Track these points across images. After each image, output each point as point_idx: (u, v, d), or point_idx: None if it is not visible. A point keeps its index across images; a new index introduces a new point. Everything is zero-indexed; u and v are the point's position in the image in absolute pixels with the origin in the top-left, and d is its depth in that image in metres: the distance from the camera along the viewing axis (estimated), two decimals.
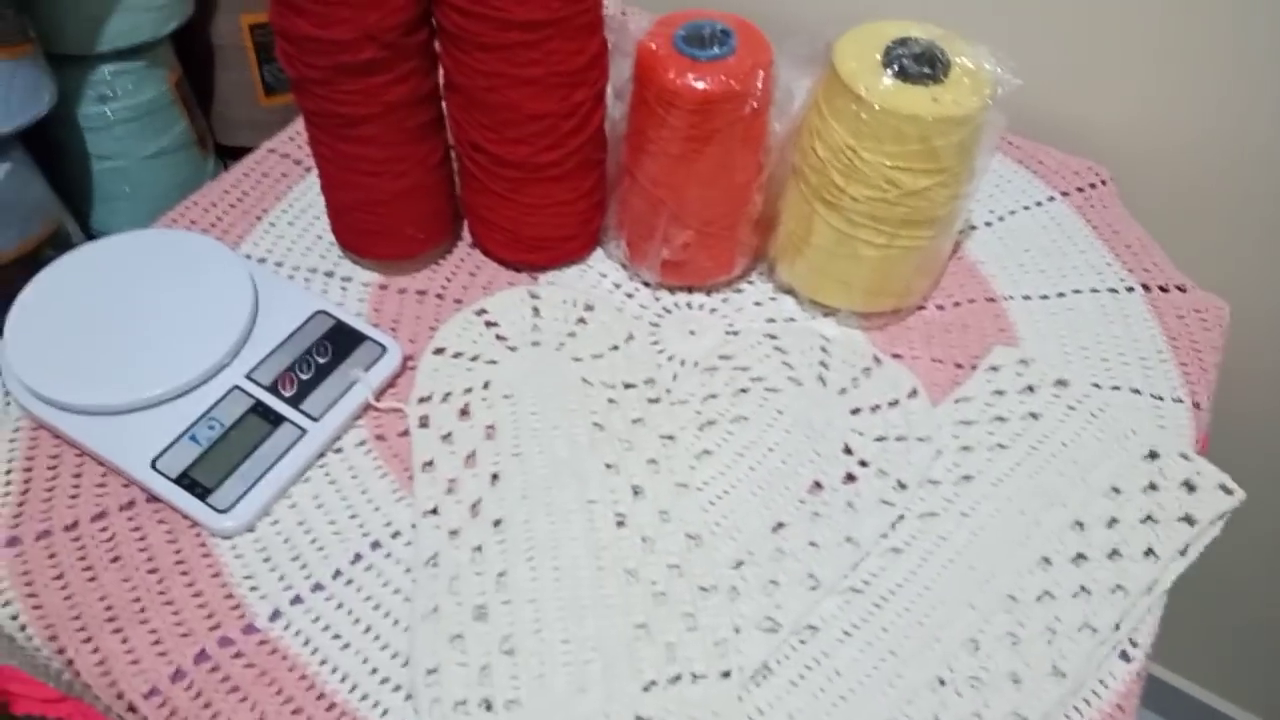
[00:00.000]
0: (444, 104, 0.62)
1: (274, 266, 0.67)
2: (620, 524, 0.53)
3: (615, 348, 0.62)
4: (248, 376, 0.58)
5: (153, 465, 0.53)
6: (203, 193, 0.71)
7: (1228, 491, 0.56)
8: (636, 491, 0.55)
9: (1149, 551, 0.54)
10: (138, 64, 0.80)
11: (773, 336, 0.63)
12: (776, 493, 0.55)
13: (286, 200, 0.71)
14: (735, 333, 0.65)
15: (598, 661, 0.48)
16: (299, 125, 0.76)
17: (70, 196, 0.82)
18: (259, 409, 0.56)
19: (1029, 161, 0.78)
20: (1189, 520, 0.55)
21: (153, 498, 0.54)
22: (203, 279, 0.61)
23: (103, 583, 0.51)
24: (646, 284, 0.68)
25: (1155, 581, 0.53)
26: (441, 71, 0.60)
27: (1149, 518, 0.55)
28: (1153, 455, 0.58)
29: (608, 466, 0.56)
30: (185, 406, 0.56)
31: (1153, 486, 0.57)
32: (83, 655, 0.48)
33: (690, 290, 0.68)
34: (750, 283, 0.69)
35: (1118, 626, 0.52)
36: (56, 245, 0.78)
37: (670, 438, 0.58)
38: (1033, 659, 0.50)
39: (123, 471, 0.54)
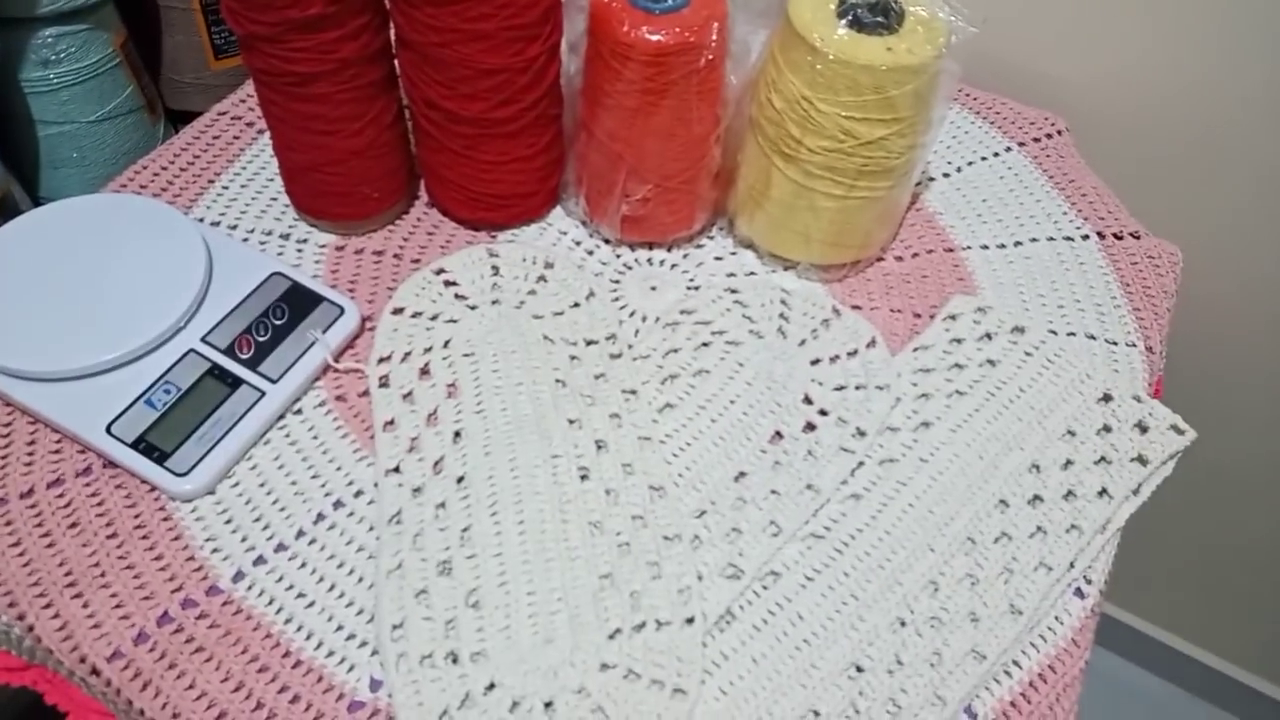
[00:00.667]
0: (396, 61, 0.61)
1: (228, 230, 0.66)
2: (584, 478, 0.53)
3: (576, 305, 0.62)
4: (203, 340, 0.57)
5: (108, 430, 0.53)
6: (152, 157, 0.69)
7: (1179, 432, 0.58)
8: (600, 445, 0.55)
9: (1103, 492, 0.55)
10: (81, 26, 0.77)
11: (733, 290, 0.64)
12: (738, 443, 0.56)
13: (239, 163, 0.70)
14: (696, 287, 0.65)
15: (563, 612, 0.48)
16: (250, 88, 0.74)
17: (16, 163, 0.80)
18: (216, 372, 0.56)
19: (986, 113, 0.79)
20: (1141, 460, 0.56)
21: (110, 463, 0.53)
22: (154, 243, 0.60)
23: (61, 548, 0.50)
24: (607, 241, 0.68)
25: (1109, 521, 0.54)
26: (393, 27, 0.59)
27: (1103, 459, 0.56)
28: (1106, 398, 0.59)
29: (570, 422, 0.56)
30: (140, 371, 0.55)
31: (1106, 429, 0.58)
32: (43, 620, 0.48)
33: (651, 246, 0.68)
34: (710, 238, 0.69)
35: (1072, 565, 0.53)
36: (3, 212, 0.76)
37: (633, 392, 0.58)
38: (990, 598, 0.51)
39: (78, 438, 0.53)
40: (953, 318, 0.63)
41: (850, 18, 0.56)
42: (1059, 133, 0.77)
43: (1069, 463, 0.56)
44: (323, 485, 0.54)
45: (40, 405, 0.54)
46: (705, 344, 0.61)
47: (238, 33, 0.56)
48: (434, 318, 0.60)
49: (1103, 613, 0.54)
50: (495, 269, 0.63)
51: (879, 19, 0.56)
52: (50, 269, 0.58)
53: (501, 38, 0.56)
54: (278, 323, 0.58)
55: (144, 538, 0.51)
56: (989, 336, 0.61)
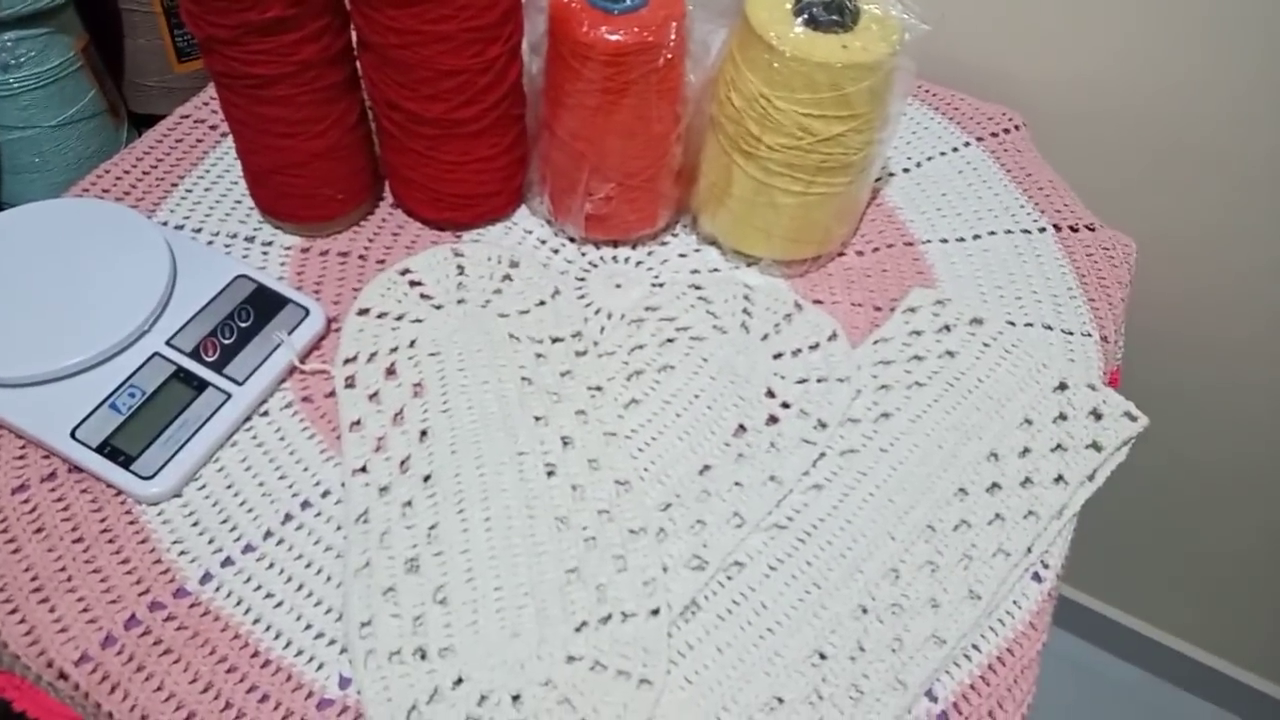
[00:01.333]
0: (358, 63, 0.61)
1: (192, 233, 0.66)
2: (550, 474, 0.54)
3: (542, 303, 0.62)
4: (168, 343, 0.57)
5: (72, 435, 0.53)
6: (115, 161, 0.69)
7: (1132, 418, 0.59)
8: (566, 442, 0.55)
9: (1059, 478, 0.56)
10: (41, 30, 0.77)
11: (697, 287, 0.64)
12: (702, 437, 0.57)
13: (202, 166, 0.70)
14: (660, 284, 0.66)
15: (530, 606, 0.49)
16: (213, 90, 0.74)
17: None
18: (181, 375, 0.56)
19: (944, 108, 0.80)
20: (1096, 447, 0.58)
21: (75, 468, 0.53)
22: (117, 247, 0.60)
23: (27, 554, 0.50)
24: (571, 239, 0.68)
25: (1064, 506, 0.56)
26: (354, 29, 0.59)
27: (1059, 446, 0.58)
28: (1062, 387, 0.60)
29: (537, 419, 0.56)
30: (104, 375, 0.55)
31: (1062, 416, 0.59)
32: (9, 626, 0.48)
33: (615, 244, 0.68)
34: (674, 235, 0.70)
35: (1030, 550, 0.54)
36: None
37: (598, 389, 0.58)
38: (950, 584, 0.52)
39: (42, 443, 0.53)
40: (912, 310, 0.64)
41: (806, 16, 0.57)
42: (1016, 128, 0.79)
43: (1026, 450, 0.57)
44: (290, 486, 0.54)
45: (4, 411, 0.54)
46: (670, 340, 0.61)
47: (197, 36, 0.56)
48: (399, 318, 0.61)
49: (1063, 596, 0.56)
50: (460, 268, 0.64)
51: (834, 17, 0.57)
52: (12, 274, 0.58)
53: (462, 39, 0.56)
54: (243, 325, 0.59)
55: (110, 541, 0.51)
56: (948, 328, 0.63)
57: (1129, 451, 0.59)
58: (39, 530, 0.51)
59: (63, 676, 0.47)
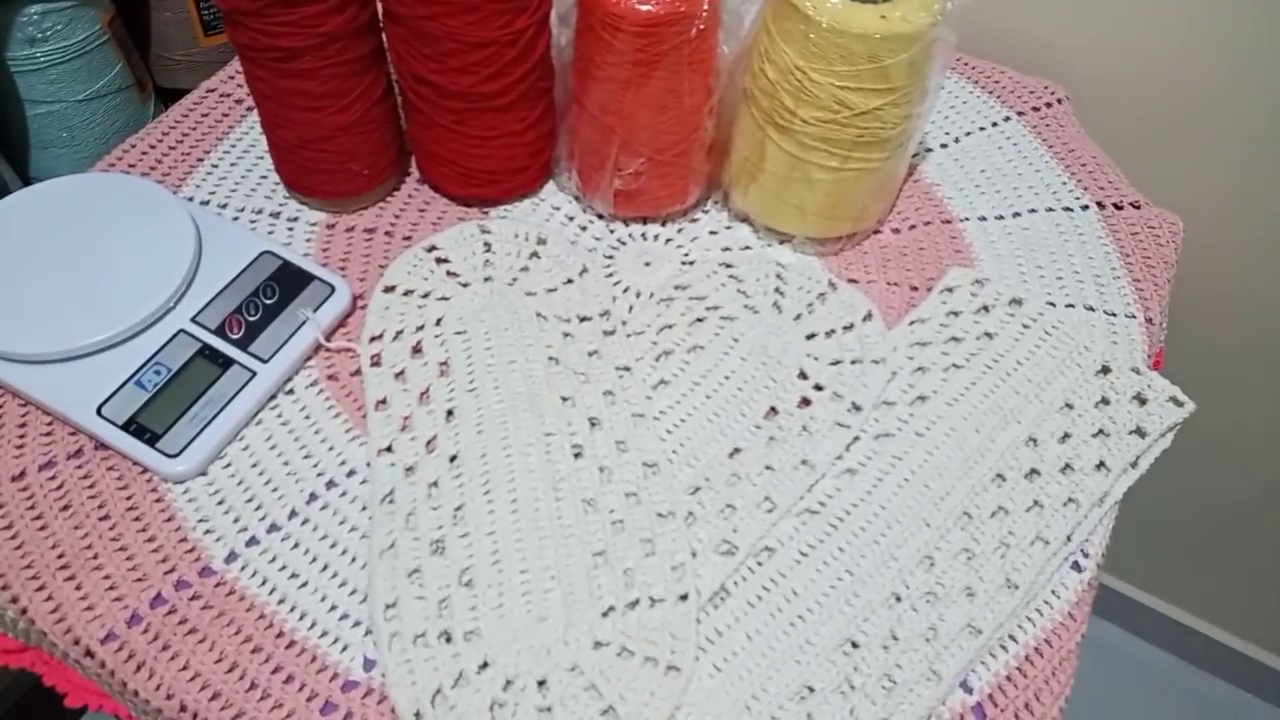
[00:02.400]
0: (384, 35, 0.60)
1: (217, 209, 0.65)
2: (578, 455, 0.53)
3: (569, 281, 0.61)
4: (193, 320, 0.56)
5: (98, 412, 0.52)
6: (141, 136, 0.69)
7: (1178, 404, 0.57)
8: (593, 423, 0.55)
9: (1100, 465, 0.55)
10: (68, 4, 0.76)
11: (728, 265, 0.63)
12: (732, 419, 0.55)
13: (228, 141, 0.70)
14: (691, 262, 0.65)
15: (556, 590, 0.48)
16: (238, 64, 0.74)
17: (5, 143, 0.79)
18: (206, 352, 0.55)
19: (984, 81, 0.78)
20: (1140, 433, 0.56)
21: (101, 445, 0.53)
22: (143, 223, 0.59)
23: (54, 531, 0.50)
24: (600, 216, 0.67)
25: (1106, 494, 0.54)
26: (380, 1, 0.58)
27: (1101, 432, 0.56)
28: (1105, 370, 0.58)
29: (564, 399, 0.55)
30: (130, 352, 0.55)
31: (1104, 401, 0.57)
32: (36, 603, 0.48)
33: (645, 221, 0.67)
34: (705, 211, 0.68)
35: (1069, 538, 0.52)
36: None
37: (626, 369, 0.57)
38: (986, 573, 0.51)
39: (69, 420, 0.53)
40: (949, 290, 0.62)
41: None
42: (1058, 101, 0.76)
43: (1066, 436, 0.56)
44: (315, 465, 0.54)
45: (31, 388, 0.53)
46: (700, 320, 0.60)
47: (222, 8, 0.55)
48: (426, 295, 0.60)
49: (1101, 584, 0.54)
50: (487, 246, 0.63)
51: None
52: (39, 250, 0.58)
53: (489, 10, 0.55)
54: (268, 302, 0.58)
55: (136, 519, 0.51)
56: (986, 309, 0.61)
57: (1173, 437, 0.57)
58: (66, 507, 0.51)
59: (89, 654, 0.47)
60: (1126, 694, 1.18)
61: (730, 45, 0.59)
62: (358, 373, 0.57)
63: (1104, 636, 1.21)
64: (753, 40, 0.60)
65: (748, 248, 0.66)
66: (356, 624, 0.48)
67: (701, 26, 0.56)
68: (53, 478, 0.52)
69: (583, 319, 0.59)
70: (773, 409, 0.56)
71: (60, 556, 0.49)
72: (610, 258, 0.65)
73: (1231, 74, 0.73)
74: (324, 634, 0.48)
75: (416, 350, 0.57)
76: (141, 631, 0.47)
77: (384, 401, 0.55)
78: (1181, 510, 1.04)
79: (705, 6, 0.55)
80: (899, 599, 0.50)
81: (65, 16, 0.77)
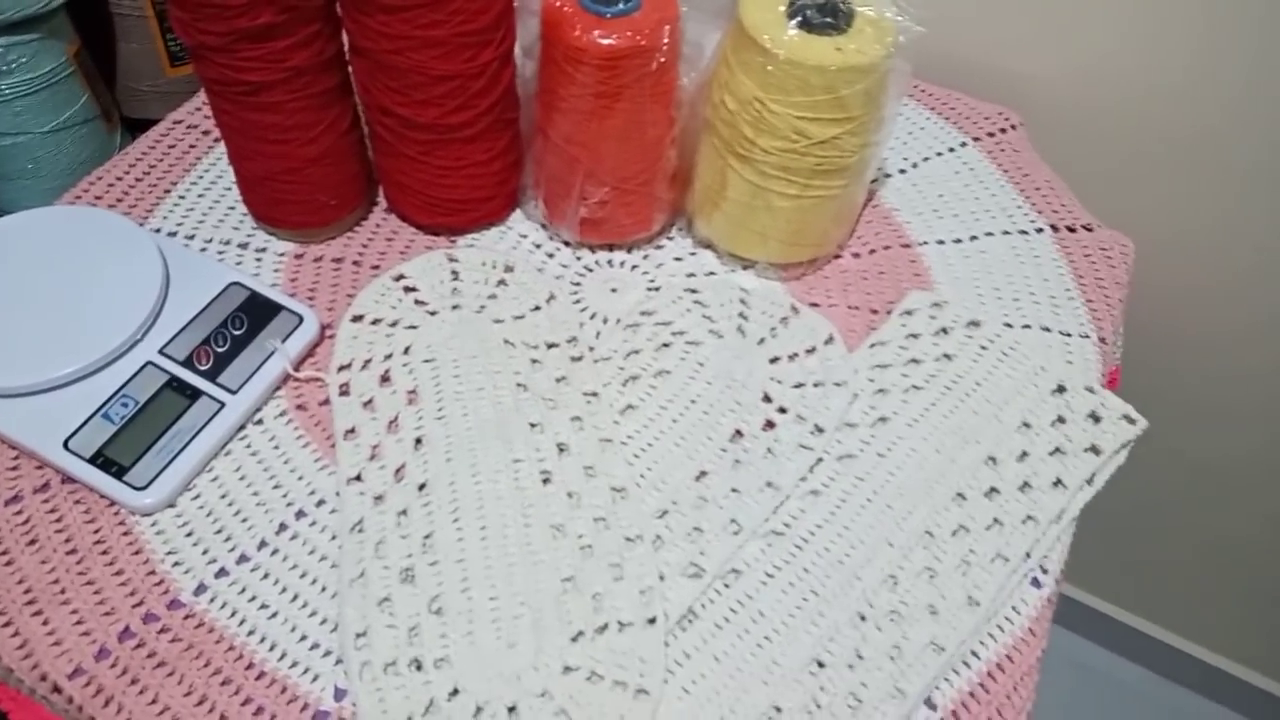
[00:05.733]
0: (350, 68, 0.61)
1: (185, 240, 0.65)
2: (546, 481, 0.54)
3: (537, 308, 0.62)
4: (161, 352, 0.57)
5: (65, 446, 0.52)
6: (107, 167, 0.69)
7: (1131, 421, 0.59)
8: (562, 449, 0.55)
9: (1057, 482, 0.56)
10: (33, 36, 0.77)
11: (693, 291, 0.64)
12: (699, 443, 0.56)
13: (195, 172, 0.70)
14: (656, 288, 0.66)
15: (526, 616, 0.48)
16: (205, 96, 0.74)
17: None
18: (174, 384, 0.55)
19: (940, 108, 0.79)
20: (1095, 450, 0.57)
21: (68, 479, 0.53)
22: (110, 256, 0.60)
23: (20, 566, 0.50)
24: (567, 243, 0.68)
25: (1063, 510, 0.55)
26: (345, 35, 0.59)
27: (1057, 450, 0.57)
28: (1060, 389, 0.60)
29: (532, 426, 0.56)
30: (97, 385, 0.55)
31: (1060, 420, 0.59)
32: (3, 639, 0.47)
33: (611, 248, 0.68)
34: (670, 238, 0.69)
35: (1028, 555, 0.54)
36: None
37: (594, 394, 0.58)
38: (949, 590, 0.52)
39: (35, 454, 0.53)
40: (909, 313, 0.63)
41: (800, 19, 0.57)
42: (1012, 127, 0.78)
43: (1024, 454, 0.57)
44: (284, 495, 0.54)
45: None
46: (666, 344, 0.61)
47: (187, 43, 0.56)
48: (394, 324, 0.60)
49: (1064, 595, 0.55)
50: (455, 274, 0.63)
51: (828, 19, 0.57)
52: (5, 283, 0.58)
53: (454, 44, 0.56)
54: (236, 333, 0.58)
55: (104, 553, 0.51)
56: (945, 331, 0.62)
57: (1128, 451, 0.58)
58: (32, 542, 0.51)
59: (57, 690, 0.47)
60: (1087, 703, 1.19)
61: (691, 77, 0.61)
62: (326, 402, 0.58)
63: (1078, 652, 1.23)
64: (713, 72, 0.61)
65: (712, 273, 0.67)
66: (327, 654, 0.48)
67: (662, 59, 0.57)
68: (19, 512, 0.52)
69: (550, 345, 0.60)
70: (738, 432, 0.57)
71: (27, 592, 0.49)
72: (577, 284, 0.66)
73: (1181, 97, 0.75)
74: (294, 664, 0.48)
75: (385, 379, 0.58)
76: (110, 666, 0.47)
77: (352, 430, 0.55)
78: (1138, 520, 1.06)
79: (666, 40, 0.57)
80: (864, 618, 0.51)
81: (31, 49, 0.77)
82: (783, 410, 0.58)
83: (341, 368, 0.58)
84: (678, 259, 0.68)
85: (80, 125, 0.82)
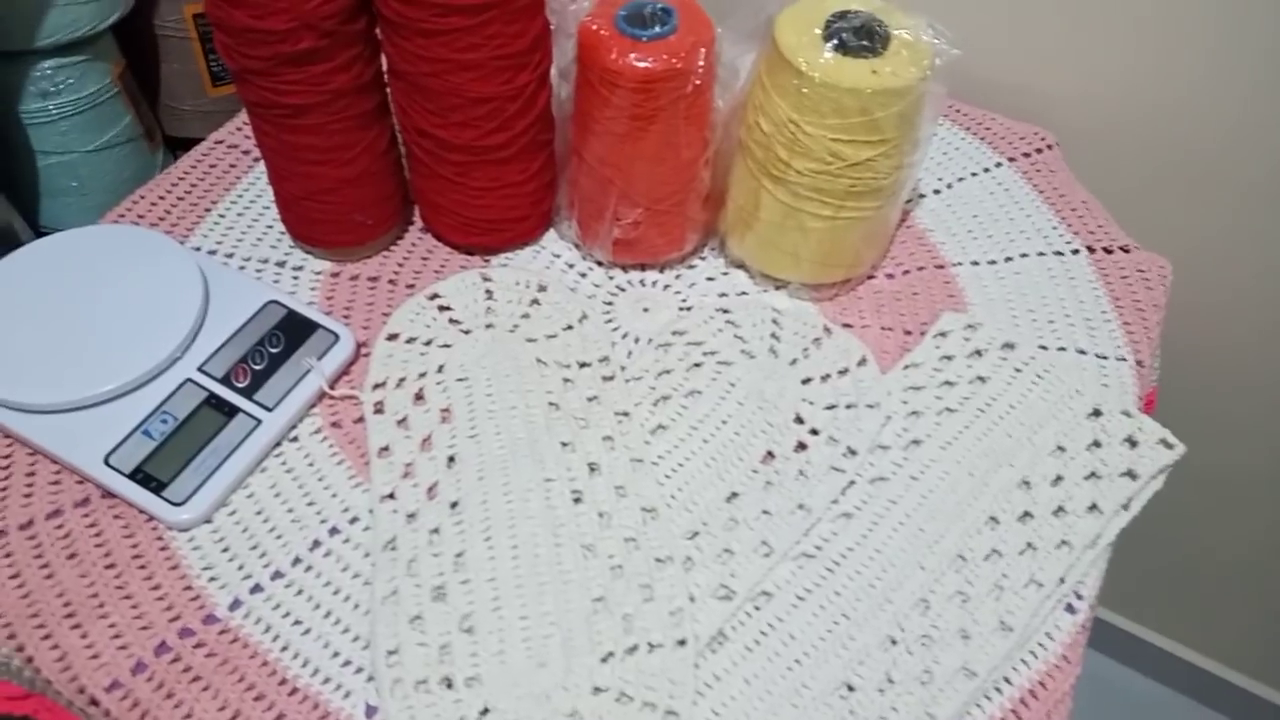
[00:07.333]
0: (388, 90, 0.62)
1: (224, 258, 0.67)
2: (577, 500, 0.54)
3: (569, 327, 0.62)
4: (200, 369, 0.58)
5: (106, 461, 0.53)
6: (150, 187, 0.70)
7: (1168, 446, 0.58)
8: (593, 468, 0.55)
9: (1093, 507, 0.55)
10: (79, 57, 0.79)
11: (725, 311, 0.64)
12: (730, 464, 0.56)
13: (235, 191, 0.71)
14: (688, 308, 0.66)
15: (556, 636, 0.48)
16: (245, 116, 0.75)
17: (17, 193, 0.81)
18: (212, 401, 0.56)
19: (976, 128, 0.79)
20: (1131, 475, 0.57)
21: (108, 493, 0.54)
22: (151, 273, 0.61)
23: (60, 579, 0.51)
24: (599, 263, 0.68)
25: (1098, 536, 0.55)
26: (384, 58, 0.59)
27: (1093, 474, 0.57)
28: (1096, 413, 0.59)
29: (564, 445, 0.56)
30: (137, 401, 0.56)
31: (1096, 444, 0.58)
32: (42, 652, 0.48)
33: (643, 268, 0.68)
34: (702, 258, 0.70)
35: (1063, 580, 0.53)
36: (4, 243, 0.77)
37: (625, 414, 0.58)
38: (981, 615, 0.51)
39: (76, 469, 0.54)
40: (943, 334, 0.63)
41: (835, 41, 0.57)
42: (1049, 147, 0.78)
43: (1059, 478, 0.56)
44: (319, 512, 0.54)
45: (39, 437, 0.54)
46: (697, 365, 0.61)
47: (230, 67, 0.57)
48: (428, 343, 0.61)
49: (1097, 617, 0.55)
50: (489, 293, 0.64)
51: (864, 42, 0.57)
52: (48, 301, 0.59)
53: (491, 67, 0.57)
54: (273, 350, 0.59)
55: (141, 567, 0.52)
56: (979, 353, 0.62)
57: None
58: (72, 555, 0.52)
59: (94, 703, 0.47)
60: None
61: (725, 99, 0.61)
62: (361, 420, 0.58)
63: (1101, 670, 1.21)
64: (747, 94, 0.61)
65: (744, 294, 0.67)
66: (359, 670, 0.49)
67: (697, 82, 0.57)
68: (60, 526, 0.53)
69: (582, 365, 0.60)
70: (769, 453, 0.57)
71: (66, 605, 0.50)
72: (609, 304, 0.66)
73: (1218, 116, 0.74)
74: (326, 680, 0.48)
75: (419, 397, 0.58)
76: (146, 680, 0.47)
77: (386, 448, 0.56)
78: (1176, 546, 1.04)
79: (701, 63, 0.57)
80: (895, 642, 0.50)
81: (77, 70, 0.79)
82: (815, 432, 0.57)
83: (376, 386, 0.59)
84: (710, 279, 0.68)
85: (124, 145, 0.84)
